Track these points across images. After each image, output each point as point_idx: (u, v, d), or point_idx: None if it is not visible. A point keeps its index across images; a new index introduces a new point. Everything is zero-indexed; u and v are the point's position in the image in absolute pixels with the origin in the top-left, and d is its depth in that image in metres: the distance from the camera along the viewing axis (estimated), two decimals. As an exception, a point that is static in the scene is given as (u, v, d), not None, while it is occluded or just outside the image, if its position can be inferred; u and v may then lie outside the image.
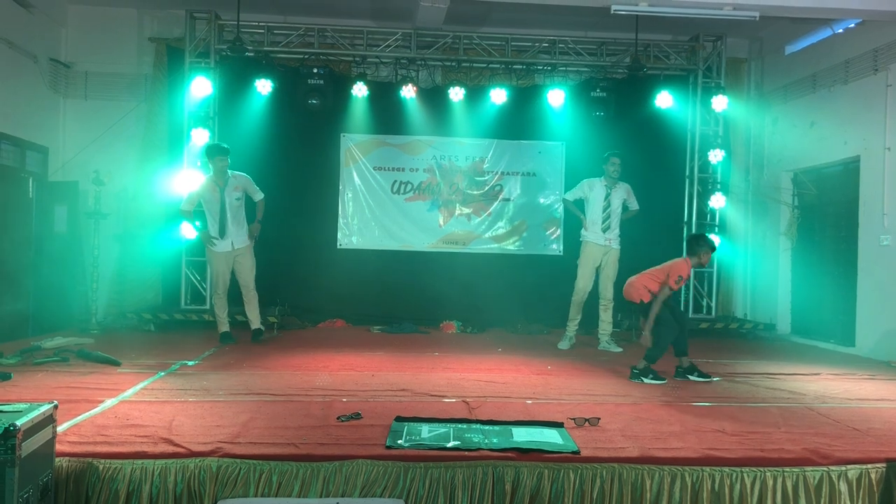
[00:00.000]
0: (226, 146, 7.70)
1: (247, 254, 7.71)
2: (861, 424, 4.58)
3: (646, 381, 6.04)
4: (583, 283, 7.76)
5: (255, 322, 7.81)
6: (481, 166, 10.19)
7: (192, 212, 7.76)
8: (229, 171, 7.66)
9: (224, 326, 7.78)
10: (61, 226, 8.89)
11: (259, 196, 7.82)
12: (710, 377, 6.18)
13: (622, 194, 7.75)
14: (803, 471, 3.78)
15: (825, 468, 3.79)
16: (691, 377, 6.19)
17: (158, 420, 4.28)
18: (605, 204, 7.68)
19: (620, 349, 7.65)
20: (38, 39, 8.97)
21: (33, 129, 8.95)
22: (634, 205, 7.83)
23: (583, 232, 7.86)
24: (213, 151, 7.64)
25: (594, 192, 7.74)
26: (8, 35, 8.23)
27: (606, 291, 7.75)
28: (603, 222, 7.69)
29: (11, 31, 8.32)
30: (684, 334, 6.31)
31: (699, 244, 6.29)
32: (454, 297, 9.65)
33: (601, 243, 7.70)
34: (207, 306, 9.05)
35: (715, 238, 7.93)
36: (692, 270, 6.32)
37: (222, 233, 7.59)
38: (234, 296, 7.91)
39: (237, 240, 7.64)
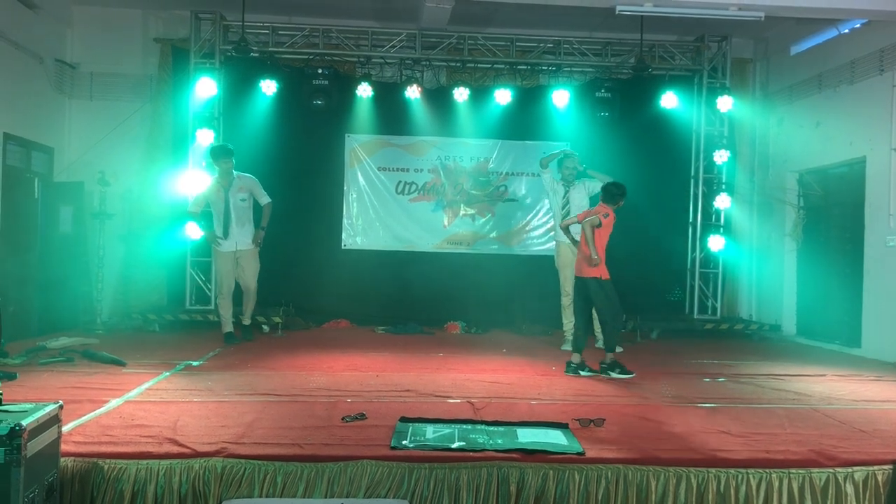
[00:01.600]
0: (230, 147, 7.75)
1: (250, 257, 7.77)
2: (867, 426, 4.57)
3: (613, 374, 6.16)
4: (568, 286, 7.68)
5: (246, 320, 8.01)
6: (486, 167, 10.19)
7: (199, 213, 7.82)
8: (235, 172, 7.70)
9: (228, 327, 7.82)
10: (66, 226, 8.91)
11: (265, 200, 7.85)
12: (599, 371, 6.31)
13: (581, 191, 7.72)
14: (809, 472, 3.77)
15: (831, 470, 3.79)
16: (582, 373, 6.35)
17: (163, 420, 4.29)
18: (564, 202, 7.74)
19: (620, 349, 7.54)
20: (44, 40, 8.99)
21: (39, 129, 8.96)
22: (597, 188, 7.58)
23: (554, 234, 7.98)
24: (217, 153, 7.70)
25: (555, 190, 7.84)
26: (13, 36, 8.25)
27: None
28: (563, 220, 7.62)
29: (17, 32, 8.33)
30: (590, 330, 6.57)
31: (623, 193, 6.47)
32: (458, 297, 9.66)
33: (570, 242, 7.63)
34: (212, 306, 9.06)
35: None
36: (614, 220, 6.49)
37: (226, 233, 7.65)
38: (239, 296, 7.98)
39: (241, 241, 7.71)
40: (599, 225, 6.25)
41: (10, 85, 8.29)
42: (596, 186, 7.64)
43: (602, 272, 6.28)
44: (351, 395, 5.15)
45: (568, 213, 7.67)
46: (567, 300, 7.77)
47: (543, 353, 7.59)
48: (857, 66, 8.43)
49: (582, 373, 6.31)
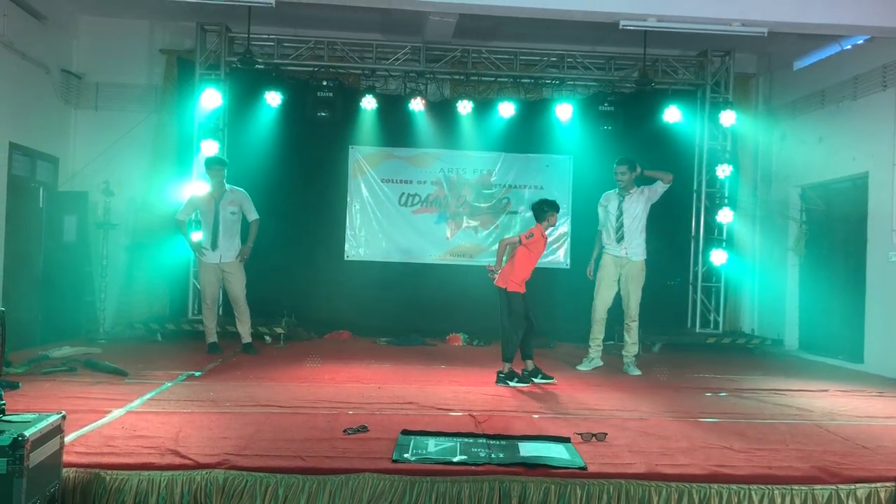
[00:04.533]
0: (223, 158, 7.76)
1: (236, 270, 7.69)
2: (870, 442, 4.56)
3: (511, 384, 6.25)
4: (599, 301, 7.33)
5: (246, 337, 7.83)
6: (489, 179, 10.21)
7: (186, 221, 7.76)
8: (227, 185, 7.69)
9: (212, 337, 7.80)
10: (70, 235, 8.94)
11: (253, 216, 7.75)
12: (552, 378, 6.43)
13: (638, 199, 7.29)
14: (812, 489, 3.75)
15: (834, 486, 3.77)
16: (535, 380, 6.39)
17: (165, 431, 4.29)
18: (617, 213, 7.30)
19: (639, 372, 7.21)
20: (51, 50, 9.04)
21: (44, 139, 9.00)
22: (658, 190, 7.29)
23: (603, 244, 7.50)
24: (209, 163, 7.72)
25: (610, 203, 7.40)
26: (21, 46, 8.30)
27: (629, 309, 7.32)
28: (616, 232, 7.29)
29: (24, 42, 8.38)
30: (531, 337, 6.54)
31: (543, 208, 6.54)
32: (461, 309, 9.65)
33: (617, 254, 7.29)
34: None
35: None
36: (546, 238, 6.68)
37: (214, 245, 7.60)
38: (229, 306, 8.00)
39: (226, 254, 7.64)
40: (518, 243, 6.43)
41: (17, 94, 8.33)
42: (657, 190, 7.32)
43: (518, 286, 6.43)
44: (353, 408, 5.15)
45: (622, 226, 7.26)
46: (596, 315, 7.40)
47: (545, 366, 7.53)
48: (860, 81, 8.46)
49: (535, 380, 6.41)
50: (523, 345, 6.54)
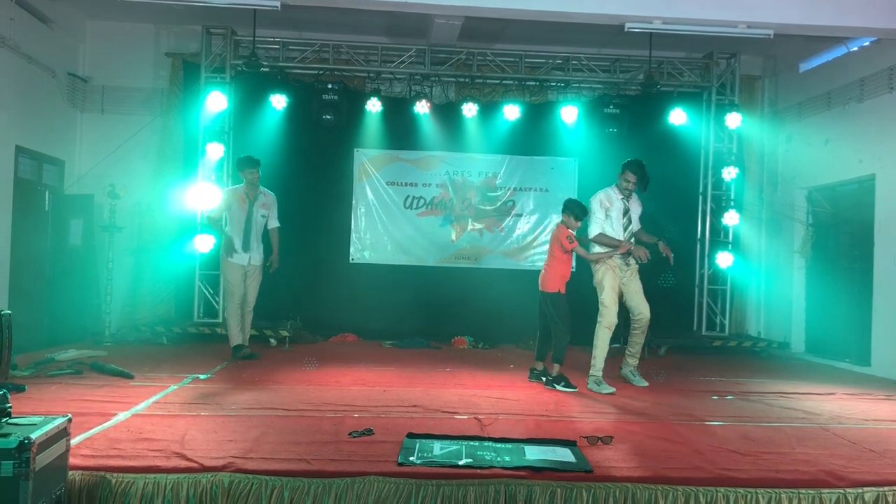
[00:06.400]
0: (256, 158, 7.61)
1: (258, 273, 7.68)
2: (877, 446, 4.54)
3: (559, 388, 6.27)
4: (615, 308, 6.58)
5: (245, 339, 7.75)
6: (494, 182, 10.21)
7: (220, 219, 7.68)
8: (261, 187, 7.66)
9: (237, 339, 7.73)
10: (76, 239, 8.96)
11: (274, 224, 7.73)
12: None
13: (637, 202, 6.83)
14: (819, 493, 3.74)
15: (841, 490, 3.75)
16: (544, 379, 6.55)
17: (171, 434, 4.29)
18: (626, 222, 6.65)
19: (646, 383, 6.68)
20: (57, 54, 9.07)
21: (50, 142, 9.03)
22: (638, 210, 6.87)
23: (600, 251, 6.67)
24: (243, 164, 7.58)
25: (614, 207, 6.65)
26: (28, 50, 8.33)
27: (642, 306, 6.66)
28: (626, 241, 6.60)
29: (31, 46, 8.41)
30: (548, 340, 6.63)
31: (570, 207, 6.58)
32: (466, 312, 9.65)
33: (625, 260, 6.62)
34: (220, 320, 9.08)
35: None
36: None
37: (246, 247, 7.52)
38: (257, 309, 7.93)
39: (254, 257, 7.61)
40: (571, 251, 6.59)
41: (23, 98, 8.37)
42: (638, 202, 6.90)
43: (562, 287, 6.54)
44: (358, 411, 5.14)
45: (629, 224, 6.65)
46: (609, 332, 6.60)
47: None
48: (867, 83, 8.44)
49: (544, 378, 6.54)
50: (540, 346, 6.66)
